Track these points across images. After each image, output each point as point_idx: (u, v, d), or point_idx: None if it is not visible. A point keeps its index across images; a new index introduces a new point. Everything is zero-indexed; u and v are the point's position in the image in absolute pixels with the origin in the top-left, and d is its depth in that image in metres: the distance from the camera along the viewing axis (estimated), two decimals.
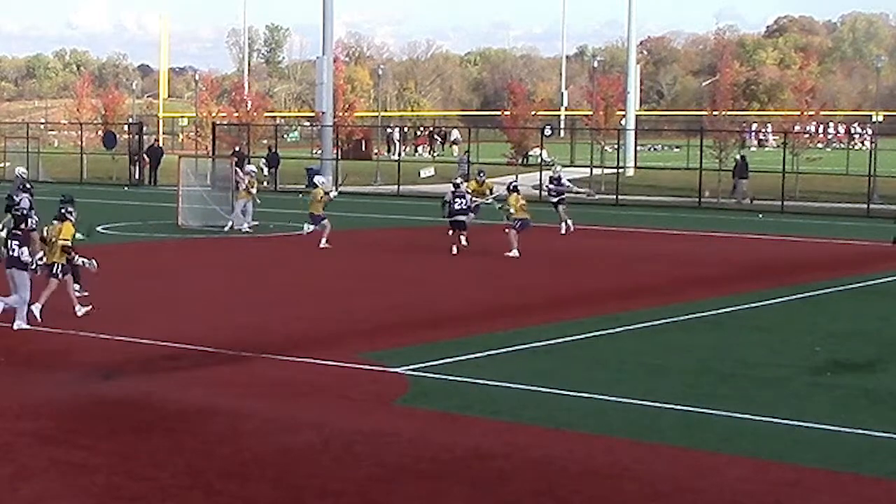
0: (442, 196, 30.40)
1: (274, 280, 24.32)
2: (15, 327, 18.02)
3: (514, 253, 27.72)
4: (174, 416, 13.20)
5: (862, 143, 77.72)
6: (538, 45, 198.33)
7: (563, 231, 33.12)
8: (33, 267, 18.47)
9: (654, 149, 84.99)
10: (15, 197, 24.10)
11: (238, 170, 34.86)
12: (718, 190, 47.06)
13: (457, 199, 28.87)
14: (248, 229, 33.37)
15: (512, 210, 28.48)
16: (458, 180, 30.63)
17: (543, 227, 35.87)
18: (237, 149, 51.81)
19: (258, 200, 34.72)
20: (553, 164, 36.70)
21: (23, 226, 18.66)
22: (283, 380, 15.12)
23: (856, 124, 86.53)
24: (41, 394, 14.18)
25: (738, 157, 48.59)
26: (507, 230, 28.35)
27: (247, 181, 34.12)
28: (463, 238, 28.63)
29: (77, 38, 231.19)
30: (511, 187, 29.79)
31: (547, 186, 34.06)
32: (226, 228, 33.45)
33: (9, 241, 18.45)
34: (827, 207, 43.56)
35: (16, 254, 18.19)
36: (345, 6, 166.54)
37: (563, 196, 34.46)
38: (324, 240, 29.31)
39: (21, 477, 10.95)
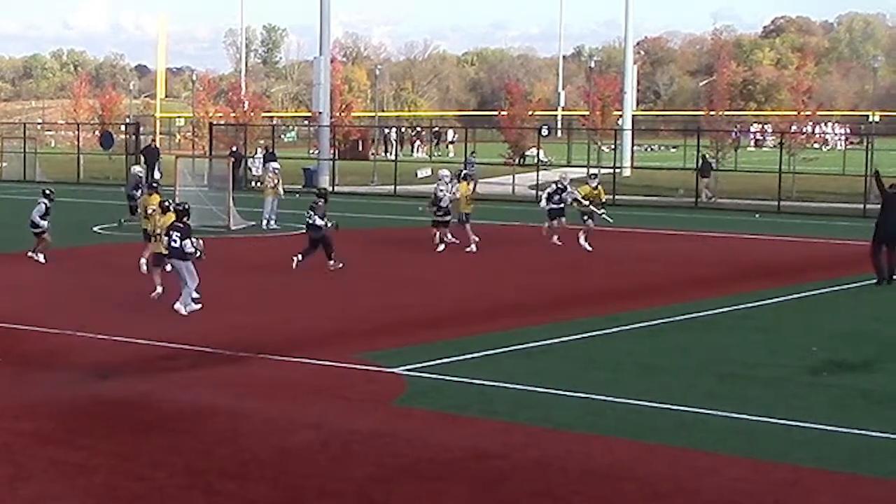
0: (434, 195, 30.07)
1: (271, 280, 24.31)
2: (175, 307, 19.36)
3: (474, 248, 28.62)
4: (173, 416, 13.22)
5: (837, 143, 77.67)
6: (535, 46, 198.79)
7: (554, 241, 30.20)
8: (198, 256, 19.72)
9: (651, 149, 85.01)
10: (134, 193, 26.42)
11: (264, 166, 35.70)
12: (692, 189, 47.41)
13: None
14: (274, 226, 34.20)
15: (461, 204, 29.19)
16: (442, 191, 29.13)
17: (538, 228, 35.91)
18: (234, 149, 51.81)
19: (281, 196, 35.35)
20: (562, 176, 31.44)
21: (185, 219, 19.94)
22: (282, 380, 15.14)
23: (824, 123, 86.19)
24: (40, 394, 14.20)
25: (703, 156, 48.79)
26: (463, 227, 28.97)
27: (272, 178, 34.74)
28: (448, 235, 28.81)
29: (74, 38, 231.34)
30: (463, 175, 30.63)
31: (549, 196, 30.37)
32: (264, 226, 34.15)
33: (171, 233, 19.87)
34: (823, 207, 43.57)
35: (178, 245, 19.56)
36: (342, 6, 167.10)
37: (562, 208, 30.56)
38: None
39: (20, 477, 10.97)
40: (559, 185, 30.04)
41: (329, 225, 24.85)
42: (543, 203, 30.18)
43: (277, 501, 10.52)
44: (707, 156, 48.94)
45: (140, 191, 29.75)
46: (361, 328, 18.73)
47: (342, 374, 15.48)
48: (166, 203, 21.56)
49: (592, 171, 31.34)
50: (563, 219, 29.95)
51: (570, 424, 13.06)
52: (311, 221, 25.04)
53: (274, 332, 18.20)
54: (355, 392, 14.53)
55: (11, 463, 11.39)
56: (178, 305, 19.48)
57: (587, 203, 29.35)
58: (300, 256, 24.90)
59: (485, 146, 62.82)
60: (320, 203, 25.23)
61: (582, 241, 29.05)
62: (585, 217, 29.38)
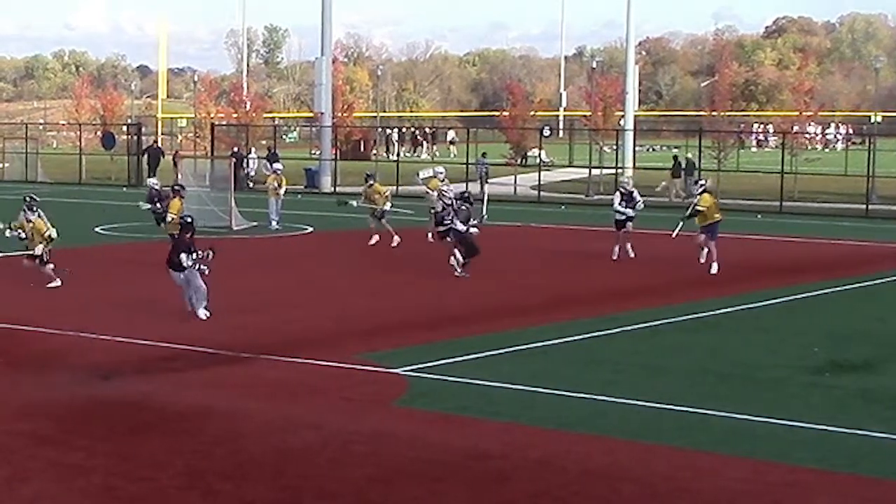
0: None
1: (272, 281, 24.32)
2: (200, 314, 19.19)
3: (398, 240, 29.48)
4: (172, 416, 13.21)
5: (836, 145, 77.72)
6: (536, 46, 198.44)
7: (618, 256, 27.59)
8: (195, 267, 19.29)
9: (653, 149, 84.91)
10: (150, 205, 28.95)
11: (269, 166, 35.89)
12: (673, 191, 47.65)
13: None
14: (276, 227, 34.29)
15: (386, 205, 30.18)
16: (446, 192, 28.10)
17: (540, 228, 35.93)
18: (236, 149, 51.85)
19: (281, 197, 35.35)
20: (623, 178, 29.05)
21: (187, 234, 19.67)
22: (282, 380, 15.13)
23: (826, 124, 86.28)
24: (39, 394, 14.19)
25: (675, 156, 49.02)
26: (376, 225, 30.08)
27: (273, 178, 34.95)
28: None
29: (76, 38, 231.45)
30: (375, 177, 31.55)
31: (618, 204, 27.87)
32: (271, 227, 34.19)
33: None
34: (825, 208, 43.51)
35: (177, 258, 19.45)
36: (344, 7, 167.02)
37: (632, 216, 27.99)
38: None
39: (18, 478, 10.96)
40: (624, 190, 28.08)
41: (470, 228, 24.44)
42: (618, 207, 27.82)
43: (276, 502, 10.50)
44: (679, 157, 49.35)
45: (156, 203, 29.87)
46: (362, 328, 18.72)
47: (342, 374, 15.47)
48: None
49: (701, 181, 27.54)
50: (630, 224, 27.61)
51: (570, 425, 13.05)
52: (452, 225, 24.79)
53: (274, 333, 18.20)
54: (356, 392, 14.52)
55: (10, 463, 11.38)
56: (200, 312, 19.27)
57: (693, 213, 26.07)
58: (460, 270, 24.35)
59: (487, 147, 62.79)
60: (463, 207, 24.86)
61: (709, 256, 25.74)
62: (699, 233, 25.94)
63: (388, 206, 30.50)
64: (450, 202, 26.68)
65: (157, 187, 31.18)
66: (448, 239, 26.13)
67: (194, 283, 19.39)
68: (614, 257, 27.41)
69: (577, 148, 65.35)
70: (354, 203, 32.06)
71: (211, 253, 19.55)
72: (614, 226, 28.00)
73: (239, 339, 17.55)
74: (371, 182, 31.28)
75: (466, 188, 32.89)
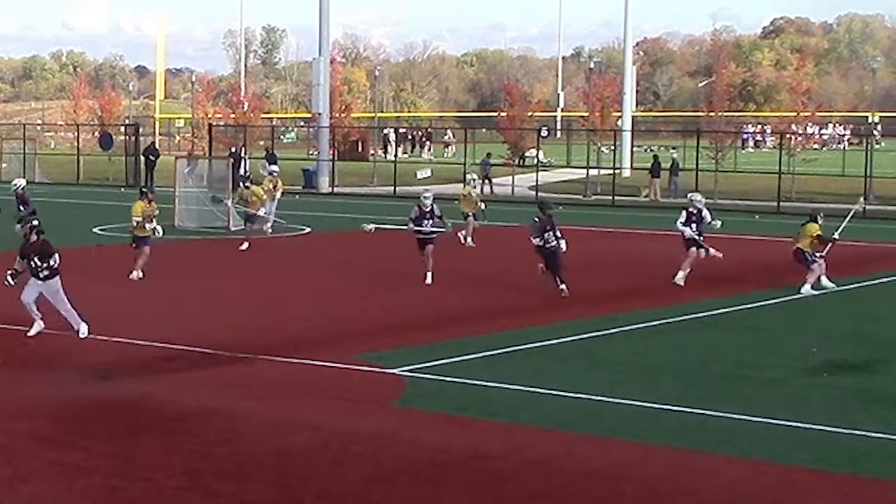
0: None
1: (271, 281, 24.31)
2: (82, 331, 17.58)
3: (246, 245, 29.49)
4: (172, 417, 13.21)
5: (833, 144, 77.87)
6: (534, 46, 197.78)
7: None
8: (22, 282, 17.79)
9: (651, 150, 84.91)
10: (22, 208, 27.46)
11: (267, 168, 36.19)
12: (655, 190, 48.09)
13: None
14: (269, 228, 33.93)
15: (257, 208, 30.64)
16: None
17: None
18: (233, 150, 51.85)
19: (276, 200, 35.02)
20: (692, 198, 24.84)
21: (35, 240, 17.76)
22: (281, 381, 15.14)
23: (823, 125, 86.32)
24: (39, 395, 14.20)
25: (655, 156, 49.48)
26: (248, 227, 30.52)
27: (269, 181, 34.74)
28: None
29: (74, 39, 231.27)
30: (251, 180, 32.57)
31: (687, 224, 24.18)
32: (266, 227, 33.84)
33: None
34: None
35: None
36: (341, 7, 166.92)
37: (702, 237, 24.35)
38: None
39: (19, 478, 10.97)
40: (691, 210, 24.24)
41: (552, 243, 21.82)
42: (689, 232, 24.11)
43: (276, 502, 10.51)
44: (659, 156, 49.74)
45: (20, 208, 29.28)
46: (361, 329, 18.72)
47: (342, 374, 15.48)
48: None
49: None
50: (703, 249, 24.12)
51: (569, 425, 13.06)
52: (532, 241, 22.26)
53: (273, 333, 18.20)
54: (355, 393, 14.53)
55: (10, 464, 11.39)
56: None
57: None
58: (563, 286, 21.83)
59: (484, 147, 62.88)
60: (535, 220, 22.37)
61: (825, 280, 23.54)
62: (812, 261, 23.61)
63: (262, 213, 30.81)
64: (428, 210, 24.30)
65: (18, 188, 30.11)
66: (424, 248, 24.17)
67: (58, 299, 17.56)
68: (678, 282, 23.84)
69: (574, 148, 65.40)
70: (228, 202, 32.68)
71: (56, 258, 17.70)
72: (685, 244, 24.31)
73: (238, 339, 17.55)
74: (248, 185, 31.94)
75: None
